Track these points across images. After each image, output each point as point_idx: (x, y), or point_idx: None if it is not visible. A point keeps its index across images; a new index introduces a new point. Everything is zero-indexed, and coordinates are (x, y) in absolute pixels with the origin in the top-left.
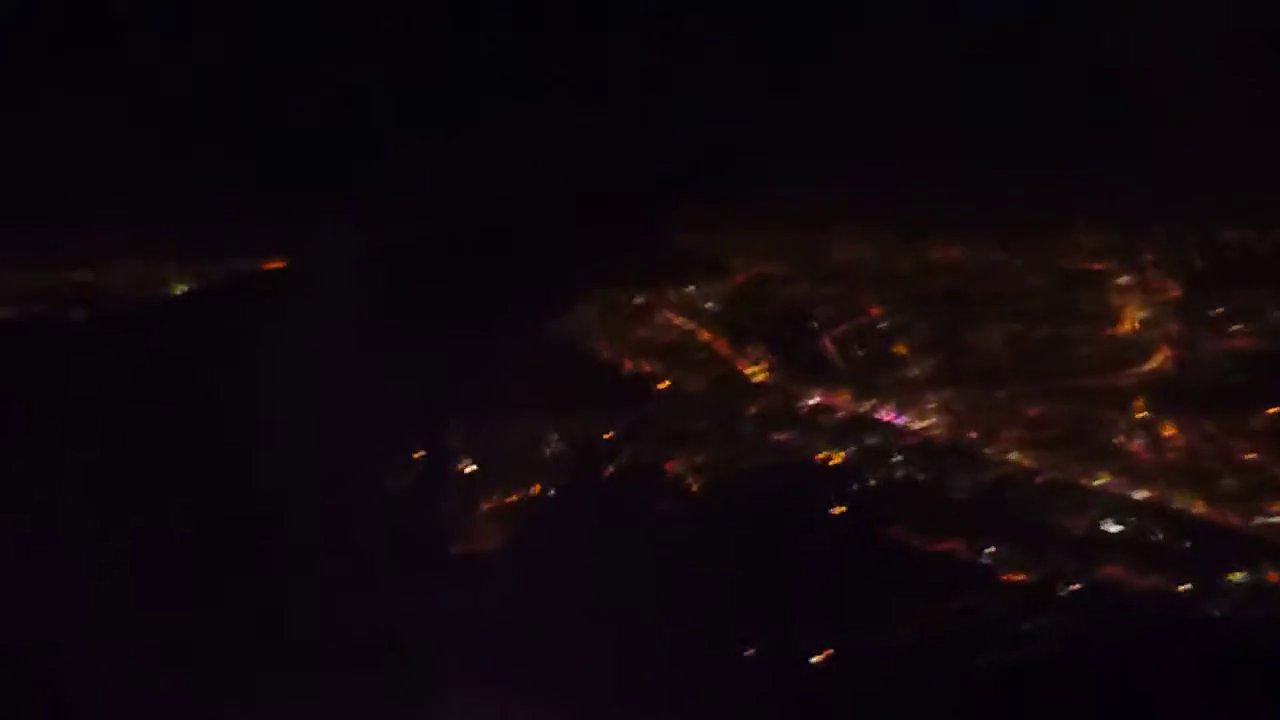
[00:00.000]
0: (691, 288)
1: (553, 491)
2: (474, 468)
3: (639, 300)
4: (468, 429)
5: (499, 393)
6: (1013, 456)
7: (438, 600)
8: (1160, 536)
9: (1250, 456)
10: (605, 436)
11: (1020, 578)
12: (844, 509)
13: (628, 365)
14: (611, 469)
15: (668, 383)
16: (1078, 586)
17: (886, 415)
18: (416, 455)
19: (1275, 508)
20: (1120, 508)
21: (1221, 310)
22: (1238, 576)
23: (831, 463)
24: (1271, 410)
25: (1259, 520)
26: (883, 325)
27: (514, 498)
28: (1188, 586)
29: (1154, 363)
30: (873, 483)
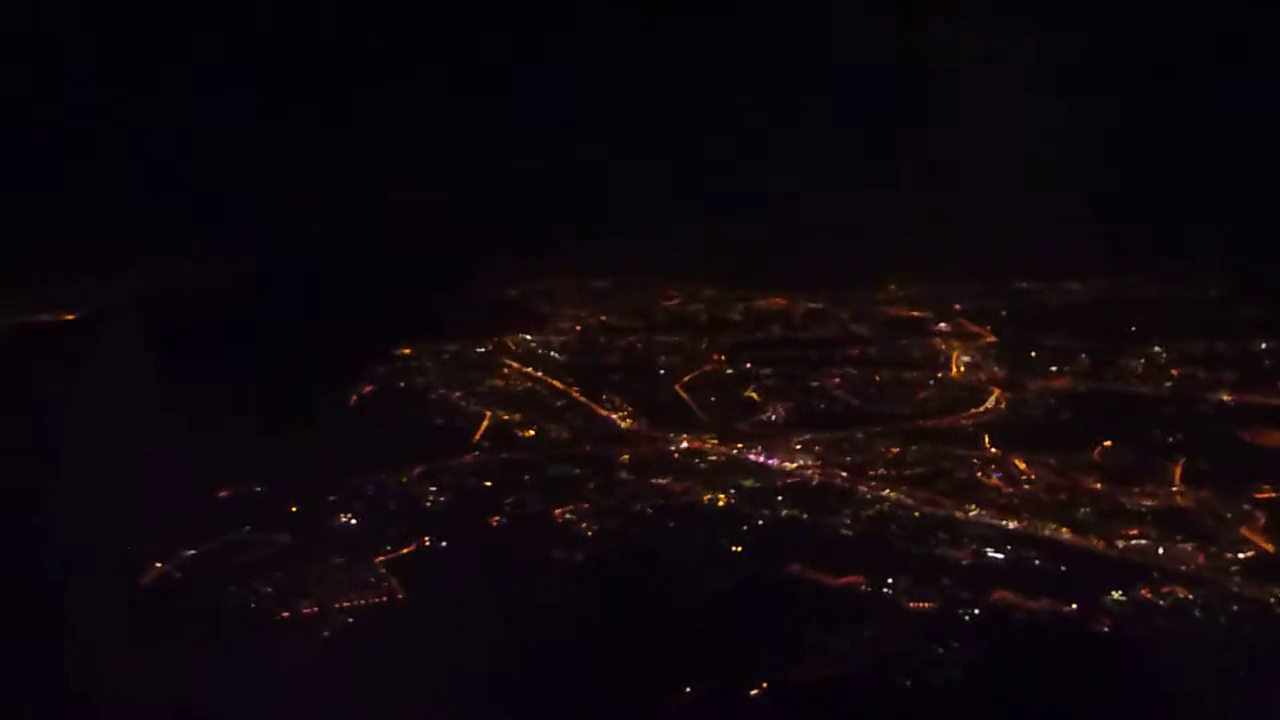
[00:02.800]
0: (527, 336)
1: (444, 543)
2: (354, 521)
3: (480, 350)
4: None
5: (347, 443)
6: (887, 493)
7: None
8: (1038, 562)
9: (1096, 487)
10: (486, 485)
11: (924, 606)
12: (740, 548)
13: (487, 415)
14: (498, 518)
15: (532, 432)
16: (977, 611)
17: (756, 457)
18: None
19: (1132, 532)
20: (996, 537)
21: (1035, 354)
22: (1117, 595)
23: (719, 504)
24: (1105, 444)
25: (1121, 544)
26: (729, 372)
27: (406, 549)
28: (1074, 607)
29: (989, 403)
30: (761, 522)
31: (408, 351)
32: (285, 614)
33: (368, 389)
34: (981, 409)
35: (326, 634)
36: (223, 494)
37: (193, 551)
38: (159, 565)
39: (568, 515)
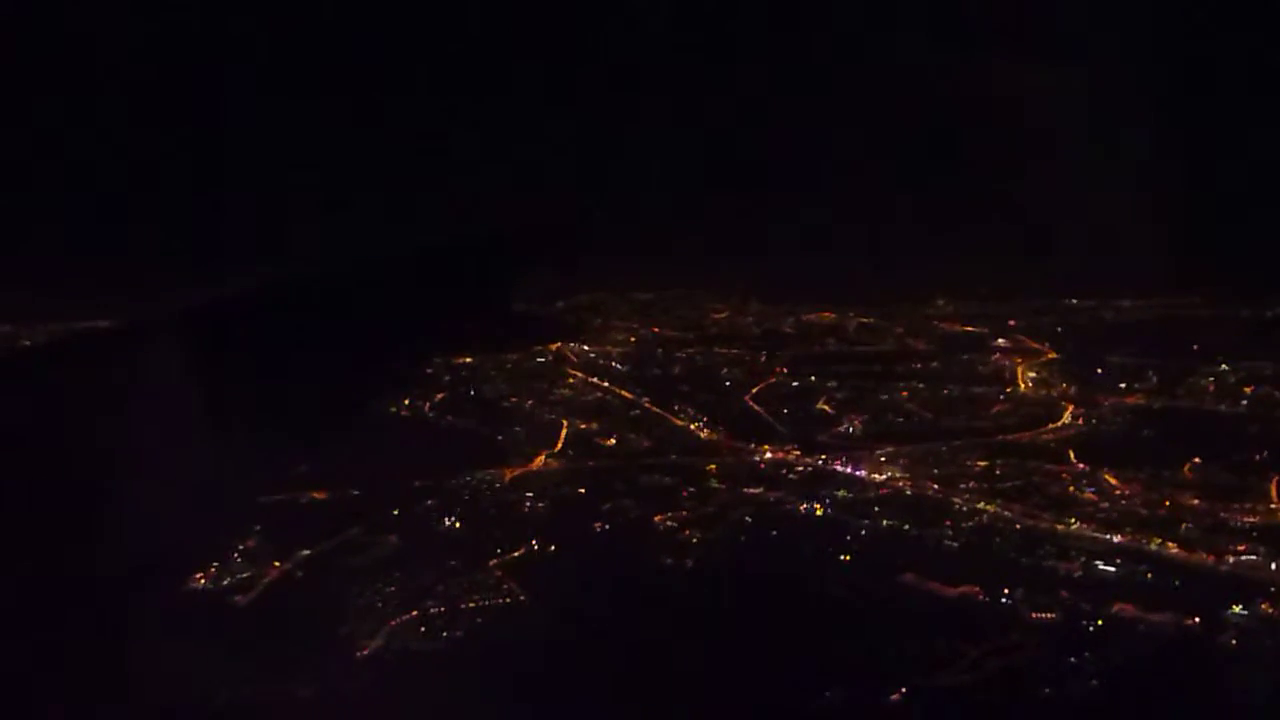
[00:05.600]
0: (585, 347)
1: (552, 548)
2: (458, 525)
3: (542, 360)
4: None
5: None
6: (983, 506)
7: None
8: (1150, 576)
9: (1194, 503)
10: (580, 492)
11: (1049, 617)
12: (849, 557)
13: (564, 423)
14: (600, 525)
15: (614, 440)
16: (1101, 623)
17: (844, 469)
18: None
19: (1241, 548)
20: (1103, 551)
21: (1101, 371)
22: (1237, 610)
23: (817, 514)
24: (1195, 460)
25: (1231, 560)
26: (795, 385)
27: (516, 553)
28: (1196, 621)
29: (1066, 419)
30: (863, 532)
31: (469, 360)
32: (413, 613)
33: (440, 396)
34: (1059, 424)
35: (456, 634)
36: (319, 497)
37: (307, 552)
38: (278, 564)
39: (668, 523)
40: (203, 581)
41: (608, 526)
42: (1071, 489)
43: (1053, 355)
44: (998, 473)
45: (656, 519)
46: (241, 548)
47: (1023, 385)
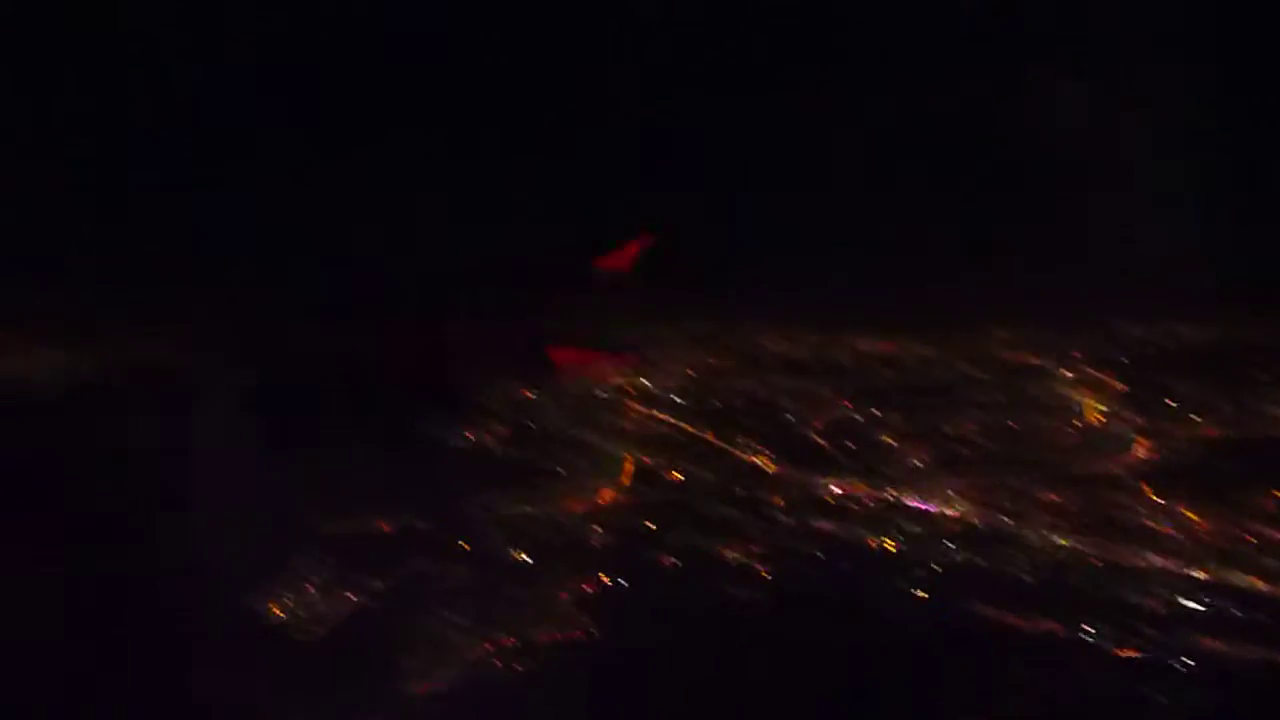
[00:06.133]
0: (643, 379)
1: (621, 580)
2: (525, 557)
3: (600, 393)
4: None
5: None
6: (1057, 539)
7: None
8: (1240, 614)
9: (1278, 536)
10: (647, 524)
11: (1134, 654)
12: (926, 594)
13: (627, 456)
14: (668, 558)
15: (677, 473)
16: (1192, 663)
17: (912, 502)
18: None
19: None
20: (1186, 586)
21: (1170, 401)
22: None
23: (889, 548)
24: (1276, 493)
25: None
26: (857, 417)
27: (587, 586)
28: None
29: (1138, 452)
30: (937, 568)
31: (528, 392)
32: (487, 645)
33: (500, 427)
34: (1130, 456)
35: (530, 666)
36: (386, 528)
37: (378, 582)
38: (348, 594)
39: (737, 557)
40: (276, 610)
41: (675, 559)
42: (1148, 522)
43: (1119, 385)
44: (1070, 506)
45: (724, 552)
46: (312, 577)
47: (1090, 416)
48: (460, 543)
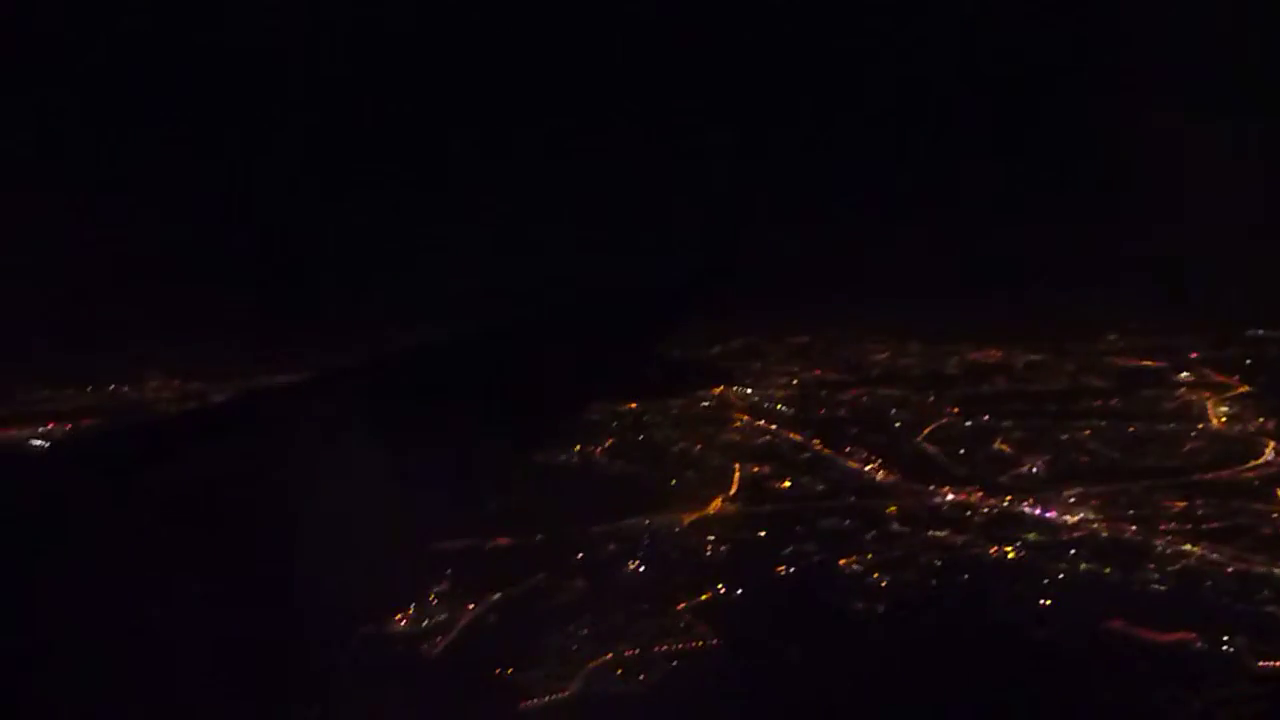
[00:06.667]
0: (748, 390)
1: (739, 591)
2: (642, 569)
3: (706, 404)
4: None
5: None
6: (1187, 548)
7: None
8: None
9: None
10: (760, 535)
11: (1276, 665)
12: (1049, 602)
13: (736, 466)
14: (784, 568)
15: (788, 483)
16: None
17: (1032, 510)
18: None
19: None
20: None
21: None
22: None
23: (1009, 557)
24: None
25: None
26: (968, 424)
27: (704, 596)
28: None
29: (1268, 455)
30: (1061, 576)
31: (634, 406)
32: (609, 655)
33: (609, 441)
34: (1261, 461)
35: (652, 677)
36: (503, 542)
37: (498, 595)
38: (471, 608)
39: (854, 566)
40: (402, 623)
41: (792, 569)
42: None
43: (1244, 389)
44: (1199, 513)
45: (841, 562)
46: (435, 590)
47: (1214, 421)
48: (578, 555)
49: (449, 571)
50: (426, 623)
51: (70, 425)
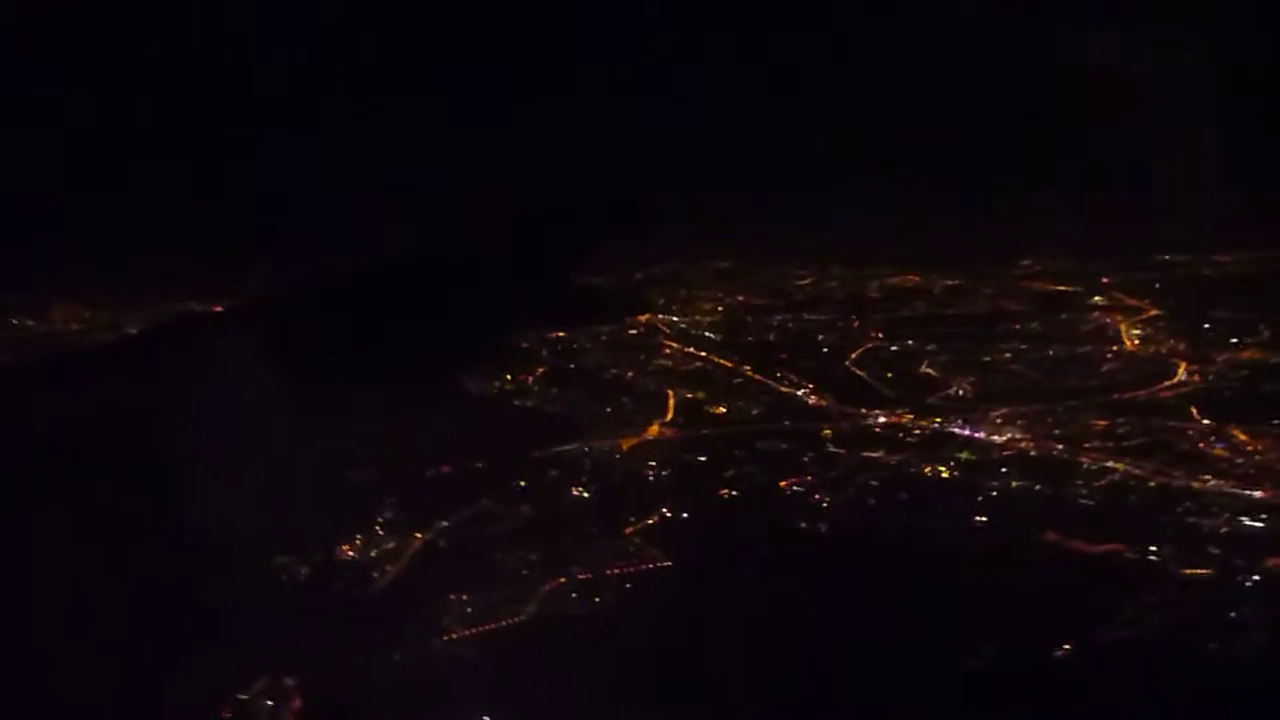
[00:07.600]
0: (675, 318)
1: (685, 514)
2: (585, 495)
3: (634, 331)
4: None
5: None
6: (1112, 464)
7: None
8: None
9: None
10: (700, 460)
11: (1203, 572)
12: (985, 518)
13: (670, 393)
14: (727, 490)
15: (724, 409)
16: (1257, 579)
17: (962, 431)
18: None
19: None
20: (1245, 506)
21: (1209, 327)
22: None
23: (944, 476)
24: None
25: None
26: (894, 349)
27: (651, 520)
28: None
29: (1180, 375)
30: (994, 494)
31: (561, 333)
32: (561, 579)
33: (540, 370)
34: (1175, 381)
35: (608, 600)
36: (446, 470)
37: (445, 523)
38: (419, 535)
39: (794, 488)
40: (350, 553)
41: (735, 492)
42: (1201, 445)
43: (1155, 312)
44: (1120, 431)
45: (782, 484)
46: (381, 519)
47: (1128, 343)
48: (521, 483)
49: (392, 499)
50: (374, 552)
51: None
